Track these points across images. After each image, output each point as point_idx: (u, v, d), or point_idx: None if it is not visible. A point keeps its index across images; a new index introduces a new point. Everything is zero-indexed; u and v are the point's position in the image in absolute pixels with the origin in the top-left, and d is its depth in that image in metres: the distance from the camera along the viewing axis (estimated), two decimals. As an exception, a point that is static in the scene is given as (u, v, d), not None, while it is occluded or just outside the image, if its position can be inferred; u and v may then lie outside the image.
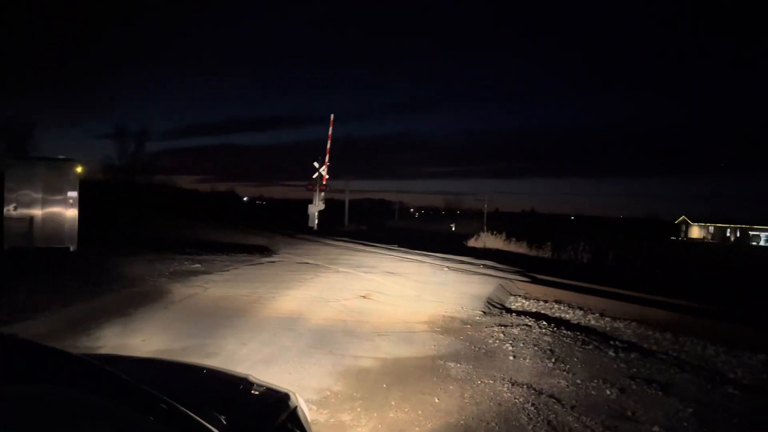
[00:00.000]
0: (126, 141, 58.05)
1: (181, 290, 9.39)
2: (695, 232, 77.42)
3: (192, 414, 1.64)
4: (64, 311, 7.44)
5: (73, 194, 13.05)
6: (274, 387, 2.57)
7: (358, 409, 4.64)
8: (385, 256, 17.14)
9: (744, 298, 13.81)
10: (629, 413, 4.85)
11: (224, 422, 1.79)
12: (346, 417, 4.48)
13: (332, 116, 30.94)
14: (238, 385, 2.45)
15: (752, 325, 8.79)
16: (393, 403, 4.82)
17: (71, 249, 12.97)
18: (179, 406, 1.63)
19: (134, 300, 8.42)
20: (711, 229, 75.79)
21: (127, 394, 1.56)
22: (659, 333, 8.41)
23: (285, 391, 2.51)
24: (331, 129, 30.68)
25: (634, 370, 6.16)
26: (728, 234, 73.10)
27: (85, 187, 13.98)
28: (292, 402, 2.41)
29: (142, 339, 6.39)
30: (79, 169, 13.29)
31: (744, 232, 71.82)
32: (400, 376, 5.55)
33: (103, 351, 5.79)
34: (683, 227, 79.08)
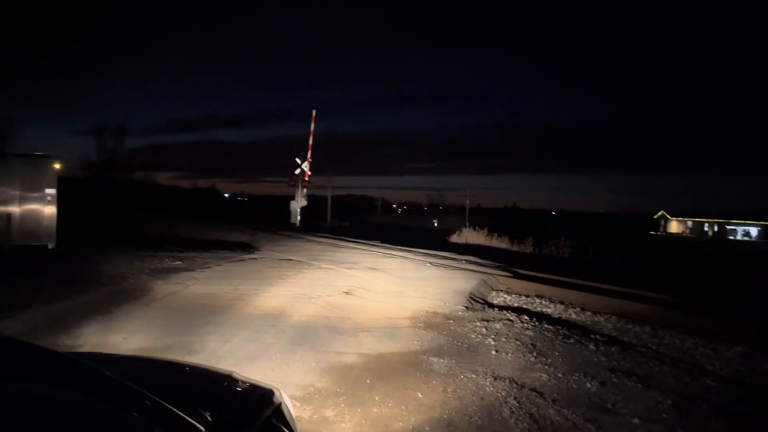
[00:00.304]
0: (105, 137, 57.35)
1: (162, 288, 9.31)
2: (674, 226, 78.45)
3: (177, 411, 1.64)
4: (43, 309, 7.35)
5: (51, 191, 12.85)
6: (258, 384, 2.57)
7: (342, 405, 4.65)
8: (367, 252, 17.14)
9: (721, 292, 14.06)
10: (609, 406, 4.91)
11: (209, 419, 1.79)
12: (330, 413, 4.49)
13: (314, 112, 30.90)
14: (223, 382, 2.45)
15: (730, 318, 8.96)
16: (377, 398, 4.84)
17: (50, 246, 12.78)
18: (164, 402, 1.62)
19: (114, 298, 8.34)
20: (689, 223, 76.86)
21: (111, 391, 1.55)
22: (639, 326, 8.53)
23: (269, 387, 2.52)
24: (313, 125, 30.65)
25: (615, 363, 6.25)
26: (706, 228, 74.20)
27: (63, 184, 13.77)
28: (277, 398, 2.41)
29: (124, 337, 6.33)
30: (57, 166, 13.10)
31: (721, 226, 72.97)
32: (384, 372, 5.57)
33: (83, 349, 5.72)
34: (662, 222, 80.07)
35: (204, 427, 1.70)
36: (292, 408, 2.56)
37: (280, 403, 2.39)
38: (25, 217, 12.58)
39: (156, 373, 2.59)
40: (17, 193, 12.51)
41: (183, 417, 1.64)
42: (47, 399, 1.38)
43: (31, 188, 12.68)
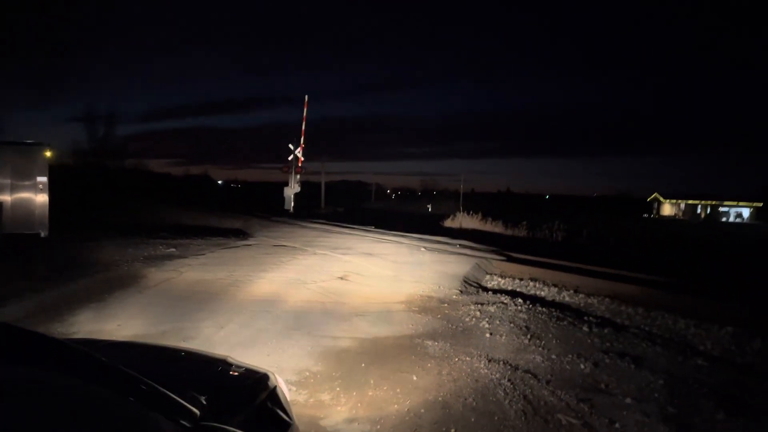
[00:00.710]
0: (96, 124, 56.64)
1: (155, 275, 9.29)
2: (667, 209, 78.58)
3: (171, 394, 1.64)
4: (36, 298, 7.33)
5: (43, 179, 12.77)
6: (253, 368, 2.57)
7: (338, 389, 4.67)
8: (362, 237, 17.14)
9: (712, 273, 14.16)
10: (603, 386, 4.96)
11: (204, 402, 1.79)
12: (325, 396, 4.52)
13: (306, 97, 30.68)
14: (217, 366, 2.45)
15: (721, 299, 9.03)
16: (372, 381, 4.86)
17: (42, 235, 12.72)
18: (159, 387, 1.62)
19: (108, 285, 8.32)
20: (682, 206, 77.00)
21: (107, 376, 1.55)
22: (632, 308, 8.60)
23: (264, 371, 2.52)
24: (305, 110, 30.44)
25: (608, 344, 6.30)
26: (698, 211, 74.39)
27: (55, 171, 13.66)
28: (272, 382, 2.42)
29: (118, 324, 6.32)
30: (47, 154, 12.99)
31: (714, 208, 73.15)
32: (379, 355, 5.59)
33: (77, 337, 5.72)
34: (655, 205, 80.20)
35: (198, 410, 1.70)
36: (287, 392, 2.57)
37: (275, 387, 2.40)
38: (17, 205, 12.51)
39: (150, 358, 2.59)
40: (8, 181, 12.44)
41: (177, 400, 1.64)
42: (40, 383, 1.37)
43: (23, 176, 12.60)
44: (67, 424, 1.34)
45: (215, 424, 1.69)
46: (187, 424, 1.60)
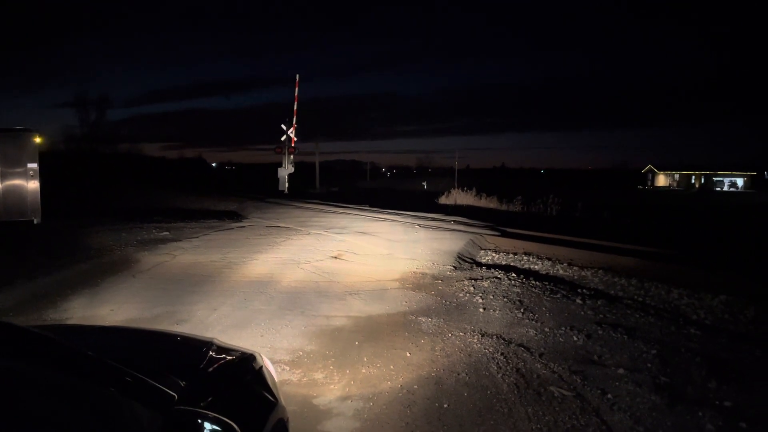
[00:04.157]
0: (87, 109, 55.79)
1: (149, 259, 9.27)
2: (661, 180, 78.79)
3: (147, 379, 1.62)
4: (29, 284, 7.30)
5: (33, 166, 12.65)
6: (238, 349, 2.56)
7: (331, 367, 4.68)
8: (356, 216, 17.12)
9: (706, 242, 14.20)
10: (595, 357, 4.98)
11: (182, 385, 1.77)
12: (318, 375, 4.52)
13: (297, 77, 30.41)
14: (202, 348, 2.43)
15: (714, 268, 9.05)
16: (365, 359, 4.87)
17: (35, 222, 12.65)
18: (134, 372, 1.60)
19: (101, 270, 8.29)
20: (676, 176, 77.21)
21: (75, 363, 1.52)
22: (625, 279, 8.63)
23: (250, 352, 2.51)
24: (297, 90, 30.18)
25: (601, 316, 6.32)
26: (693, 181, 74.60)
27: (46, 158, 13.57)
28: (257, 362, 2.41)
29: (111, 309, 6.31)
30: (37, 140, 12.86)
31: (708, 178, 73.36)
32: (373, 333, 5.60)
33: (70, 323, 5.70)
34: (650, 176, 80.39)
35: (177, 393, 1.69)
36: (274, 372, 2.56)
37: (261, 367, 2.39)
38: (8, 193, 12.41)
39: (132, 342, 2.57)
40: (-2, 169, 12.33)
41: (153, 385, 1.62)
42: (4, 372, 1.34)
43: (13, 163, 12.49)
44: (29, 414, 1.32)
45: (190, 408, 1.67)
46: (163, 409, 1.58)
